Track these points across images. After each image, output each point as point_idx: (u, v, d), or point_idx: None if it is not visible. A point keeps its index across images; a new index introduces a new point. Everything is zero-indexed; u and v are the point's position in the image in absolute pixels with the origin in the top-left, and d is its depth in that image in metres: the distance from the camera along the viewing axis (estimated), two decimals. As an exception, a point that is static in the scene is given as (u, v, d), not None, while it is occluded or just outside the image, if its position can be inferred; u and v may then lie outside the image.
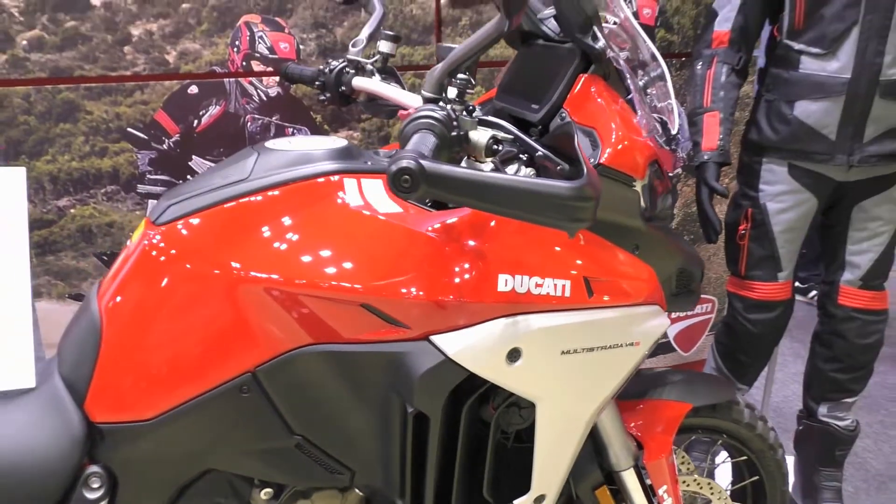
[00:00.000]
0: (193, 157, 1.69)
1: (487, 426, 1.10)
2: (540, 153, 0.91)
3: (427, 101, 0.91)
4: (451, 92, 0.91)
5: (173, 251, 1.00)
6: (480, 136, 0.89)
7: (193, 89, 1.66)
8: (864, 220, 1.79)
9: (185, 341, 0.99)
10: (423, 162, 0.72)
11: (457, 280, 0.94)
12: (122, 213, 1.68)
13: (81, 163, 1.62)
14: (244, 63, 1.68)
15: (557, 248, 1.00)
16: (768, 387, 2.35)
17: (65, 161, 1.60)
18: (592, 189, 0.75)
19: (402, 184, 0.72)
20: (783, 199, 1.80)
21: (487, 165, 0.92)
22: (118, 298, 1.02)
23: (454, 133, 0.84)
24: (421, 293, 0.93)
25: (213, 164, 1.71)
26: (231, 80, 1.68)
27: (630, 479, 1.33)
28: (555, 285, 0.97)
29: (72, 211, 1.64)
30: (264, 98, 1.71)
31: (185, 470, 1.05)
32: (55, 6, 1.52)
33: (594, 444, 1.31)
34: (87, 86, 1.59)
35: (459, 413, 1.03)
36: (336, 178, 1.03)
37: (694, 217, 2.15)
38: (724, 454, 1.66)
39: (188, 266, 0.98)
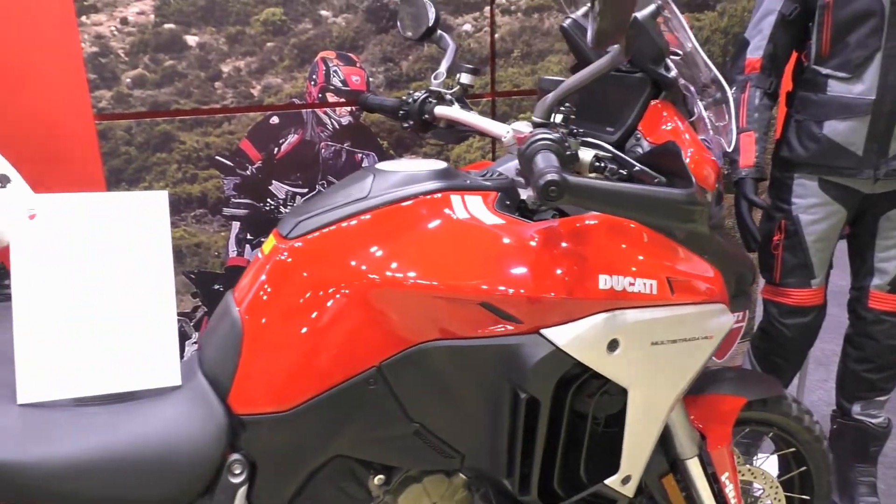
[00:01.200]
0: (273, 181, 1.84)
1: (577, 413, 1.23)
2: (637, 168, 1.06)
3: (537, 125, 1.05)
4: (557, 118, 1.05)
5: (307, 261, 1.14)
6: (586, 154, 1.04)
7: (275, 119, 1.81)
8: (890, 228, 1.94)
9: (318, 340, 1.12)
10: (566, 175, 0.87)
11: (564, 279, 1.08)
12: (208, 235, 1.82)
13: (174, 189, 1.76)
14: (320, 95, 1.83)
15: (643, 252, 1.14)
16: (801, 389, 2.48)
17: (160, 187, 1.75)
18: (701, 195, 0.90)
19: (549, 193, 0.86)
20: (814, 210, 1.95)
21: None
22: (256, 304, 1.15)
23: (567, 152, 0.99)
24: (534, 292, 1.07)
25: (288, 187, 1.86)
26: (308, 110, 1.83)
27: (694, 466, 1.45)
28: (644, 284, 1.12)
29: (164, 233, 1.78)
30: (337, 126, 1.86)
31: (315, 456, 1.17)
32: (156, 47, 1.68)
33: (661, 435, 1.44)
34: (181, 118, 1.74)
35: (558, 400, 1.16)
36: (439, 195, 1.18)
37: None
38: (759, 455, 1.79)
39: (320, 273, 1.12)
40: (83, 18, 1.62)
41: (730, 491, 1.49)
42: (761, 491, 1.65)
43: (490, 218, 1.16)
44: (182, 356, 1.43)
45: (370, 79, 1.87)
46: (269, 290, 1.15)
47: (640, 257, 1.14)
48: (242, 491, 1.14)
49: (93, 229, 1.16)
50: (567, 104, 1.05)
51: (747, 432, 1.70)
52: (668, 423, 1.41)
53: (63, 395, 1.12)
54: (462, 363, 1.12)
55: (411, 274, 1.09)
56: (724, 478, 1.48)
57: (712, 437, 1.48)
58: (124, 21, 1.64)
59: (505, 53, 1.96)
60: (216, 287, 1.86)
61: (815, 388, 3.01)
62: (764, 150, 1.91)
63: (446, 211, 1.16)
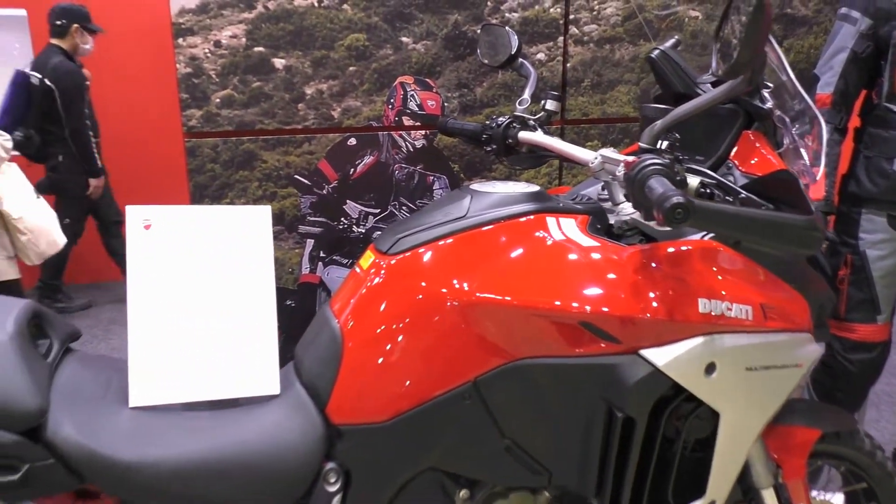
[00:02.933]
0: (348, 201, 1.89)
1: (664, 437, 1.24)
2: (742, 195, 1.08)
3: (644, 151, 1.08)
4: (663, 144, 1.08)
5: (407, 277, 1.17)
6: (692, 180, 1.07)
7: (352, 141, 1.86)
8: (960, 266, 1.93)
9: (416, 355, 1.15)
10: (692, 199, 0.89)
11: (664, 302, 1.10)
12: (283, 251, 1.87)
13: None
14: (396, 118, 1.89)
15: (738, 278, 1.16)
16: (860, 423, 2.45)
17: (240, 204, 1.80)
18: (820, 222, 0.92)
19: (675, 216, 0.89)
20: (882, 246, 1.95)
21: None
22: (356, 318, 1.19)
23: (678, 178, 1.01)
24: (634, 313, 1.09)
25: (361, 207, 1.91)
26: (384, 133, 1.88)
27: (770, 498, 1.44)
28: (741, 309, 1.13)
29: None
30: (411, 149, 1.91)
31: (408, 468, 1.19)
32: (246, 69, 1.74)
33: (736, 463, 1.44)
34: (264, 137, 1.80)
35: (651, 421, 1.17)
36: (534, 217, 1.21)
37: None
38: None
39: (421, 289, 1.15)
40: (179, 41, 1.69)
41: (805, 523, 1.48)
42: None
43: (585, 240, 1.19)
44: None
45: (445, 104, 1.92)
46: (368, 304, 1.19)
47: (736, 283, 1.15)
48: (337, 500, 1.17)
49: (202, 240, 1.21)
50: (673, 132, 1.08)
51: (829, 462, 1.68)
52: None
53: (171, 399, 1.16)
54: (558, 381, 1.14)
55: (510, 292, 1.12)
56: (799, 509, 1.48)
57: (787, 469, 1.48)
58: (217, 44, 1.71)
59: (576, 83, 2.00)
60: (288, 303, 1.90)
61: (867, 427, 2.96)
62: (833, 185, 1.92)
63: (542, 232, 1.19)
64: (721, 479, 1.22)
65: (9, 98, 3.70)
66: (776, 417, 1.54)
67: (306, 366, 1.23)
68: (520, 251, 1.17)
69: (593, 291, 1.11)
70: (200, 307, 1.19)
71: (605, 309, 1.10)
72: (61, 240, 2.75)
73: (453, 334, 1.14)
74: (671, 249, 1.17)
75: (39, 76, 3.77)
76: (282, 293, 1.89)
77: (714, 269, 1.16)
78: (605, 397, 1.14)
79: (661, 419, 1.15)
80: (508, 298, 1.12)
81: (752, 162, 1.24)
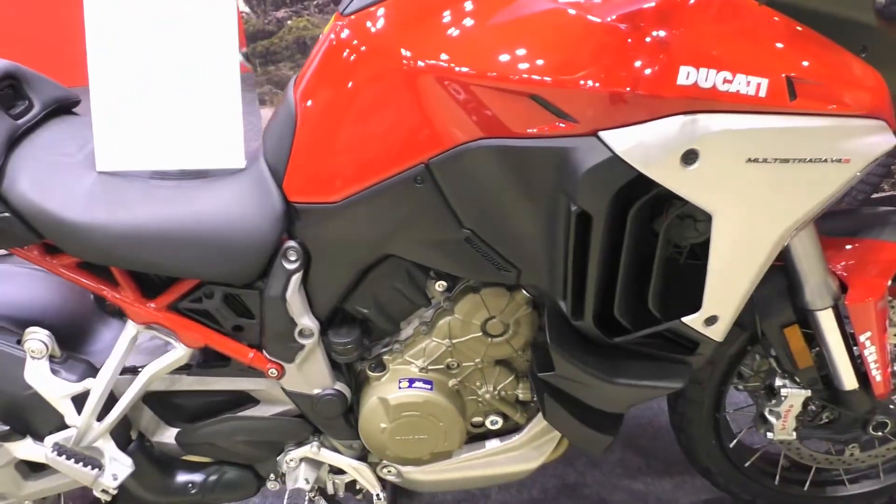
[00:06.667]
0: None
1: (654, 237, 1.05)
2: None
3: None
4: None
5: (356, 42, 1.03)
6: None
7: None
8: None
9: (366, 130, 1.04)
10: None
11: (632, 70, 0.87)
12: (332, 26, 1.75)
13: (297, -27, 1.69)
14: None
15: (760, 41, 0.88)
16: None
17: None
18: None
19: None
20: None
21: None
22: (309, 88, 1.08)
23: None
24: (592, 84, 0.88)
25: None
26: None
27: (826, 320, 1.22)
28: (748, 83, 0.87)
29: (288, 23, 1.74)
30: None
31: (366, 252, 1.13)
32: None
33: (789, 279, 1.21)
34: None
35: (620, 218, 0.98)
36: None
37: None
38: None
39: (369, 56, 1.01)
40: None
41: (870, 353, 1.25)
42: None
43: None
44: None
45: None
46: (319, 73, 1.07)
47: (753, 48, 0.88)
48: (297, 277, 1.14)
49: (162, -2, 1.13)
50: None
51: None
52: (796, 265, 1.18)
53: (136, 166, 1.16)
54: (513, 166, 0.98)
55: (461, 59, 0.95)
56: (864, 338, 1.23)
57: (858, 289, 1.22)
58: None
59: None
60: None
61: None
62: None
63: None
64: (721, 291, 1.02)
65: None
66: (855, 229, 1.27)
67: (269, 141, 1.16)
68: (480, 7, 0.97)
69: (549, 57, 0.91)
70: (161, 70, 1.14)
71: (554, 78, 0.89)
72: None
73: (400, 108, 1.00)
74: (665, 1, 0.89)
75: None
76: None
77: (724, 27, 0.88)
78: (562, 187, 0.96)
79: (628, 216, 0.96)
80: (456, 67, 0.95)
81: None
